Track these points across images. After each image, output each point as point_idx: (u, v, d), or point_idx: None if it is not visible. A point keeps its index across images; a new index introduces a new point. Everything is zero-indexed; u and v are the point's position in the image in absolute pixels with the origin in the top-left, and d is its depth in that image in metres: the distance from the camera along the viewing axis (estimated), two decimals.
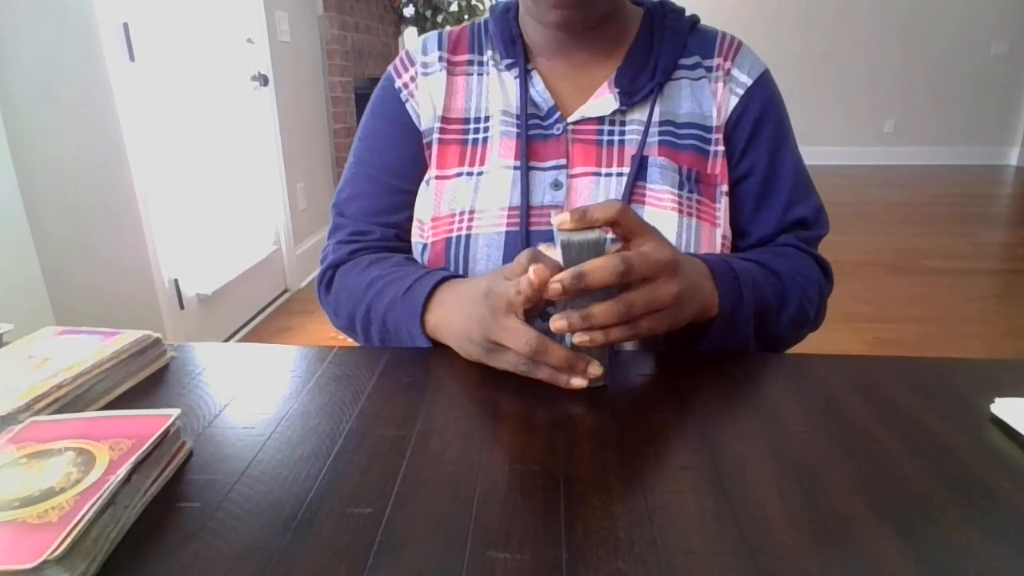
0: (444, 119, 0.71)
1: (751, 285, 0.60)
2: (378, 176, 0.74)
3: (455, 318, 0.57)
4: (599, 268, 0.46)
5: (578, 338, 0.48)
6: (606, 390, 0.52)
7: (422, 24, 4.20)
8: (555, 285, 0.46)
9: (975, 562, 0.34)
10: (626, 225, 0.50)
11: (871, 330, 2.38)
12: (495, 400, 0.51)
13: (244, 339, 2.38)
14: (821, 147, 5.85)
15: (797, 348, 0.70)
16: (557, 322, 0.47)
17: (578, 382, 0.50)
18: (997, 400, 0.48)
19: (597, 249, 0.48)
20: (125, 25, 1.76)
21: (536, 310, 0.53)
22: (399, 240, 0.74)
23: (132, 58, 1.79)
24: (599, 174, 0.66)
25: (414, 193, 0.73)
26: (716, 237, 0.67)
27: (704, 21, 0.73)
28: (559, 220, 0.48)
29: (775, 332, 0.64)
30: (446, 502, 0.39)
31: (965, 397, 0.51)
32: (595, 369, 0.50)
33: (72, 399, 0.49)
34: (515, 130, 0.69)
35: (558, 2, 0.63)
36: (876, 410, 0.49)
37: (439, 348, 0.60)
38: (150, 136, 1.88)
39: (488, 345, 0.53)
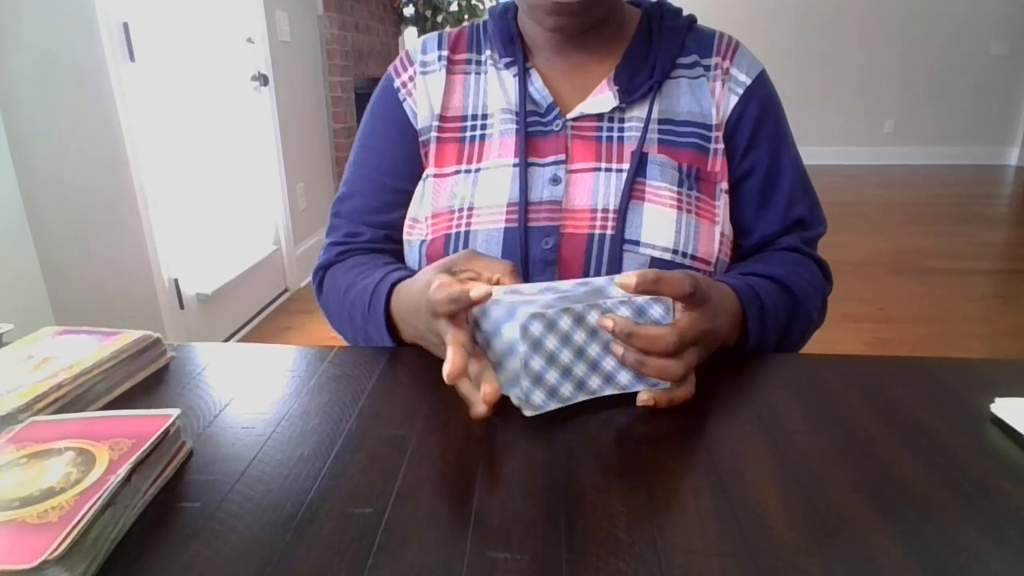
0: (442, 117, 0.72)
1: (775, 317, 0.62)
2: (374, 176, 0.74)
3: (414, 334, 0.60)
4: (658, 338, 0.47)
5: (643, 399, 0.49)
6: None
7: (422, 24, 4.20)
8: (607, 322, 0.47)
9: (975, 562, 0.34)
10: (696, 300, 0.49)
11: (871, 330, 2.38)
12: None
13: (244, 339, 2.38)
14: (821, 147, 5.85)
15: None
16: (631, 358, 0.48)
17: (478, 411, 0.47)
18: (997, 400, 0.48)
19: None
20: (125, 25, 1.76)
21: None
22: (389, 241, 0.75)
23: (132, 58, 1.79)
24: (599, 169, 0.67)
25: (410, 192, 0.73)
26: (715, 234, 0.67)
27: (703, 21, 0.73)
28: (622, 283, 0.47)
29: (785, 346, 0.67)
30: (446, 502, 0.39)
31: (965, 397, 0.51)
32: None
33: (72, 399, 0.49)
34: (514, 127, 0.69)
35: (553, 9, 0.63)
36: (876, 410, 0.49)
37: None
38: (150, 136, 1.88)
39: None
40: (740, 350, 0.61)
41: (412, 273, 0.63)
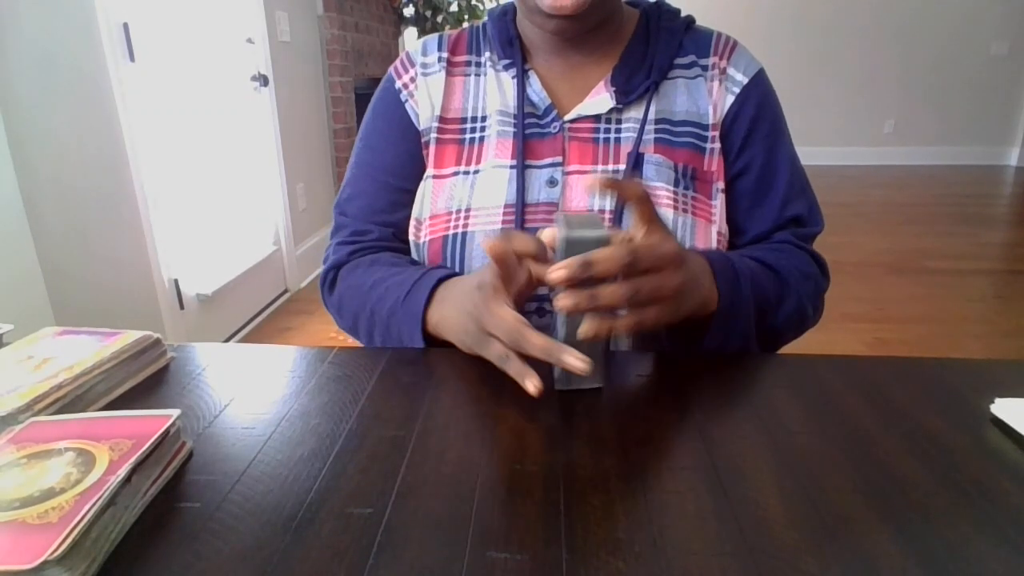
0: (442, 119, 0.72)
1: (750, 281, 0.60)
2: (377, 175, 0.74)
3: (453, 314, 0.58)
4: (606, 258, 0.45)
5: (583, 330, 0.46)
6: (601, 393, 0.52)
7: (422, 24, 4.20)
8: (560, 272, 0.45)
9: (975, 562, 0.34)
10: (643, 212, 0.49)
11: (871, 330, 2.38)
12: (495, 400, 0.51)
13: (244, 339, 2.38)
14: (821, 147, 5.85)
15: (797, 348, 0.70)
16: (564, 300, 0.45)
17: (533, 386, 0.48)
18: (997, 400, 0.48)
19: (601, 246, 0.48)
20: (125, 25, 1.76)
21: (524, 295, 0.53)
22: (397, 240, 0.75)
23: (132, 58, 1.79)
24: (595, 171, 0.67)
25: (413, 192, 0.73)
26: (712, 234, 0.67)
27: (702, 22, 0.73)
28: (592, 182, 0.49)
29: (775, 328, 0.65)
30: (446, 502, 0.39)
31: (965, 397, 0.51)
32: (576, 361, 0.46)
33: (72, 399, 0.49)
34: (512, 129, 0.69)
35: (554, 12, 0.63)
36: (876, 410, 0.49)
37: (439, 348, 0.60)
38: (150, 136, 1.88)
39: (480, 335, 0.53)
40: (716, 317, 0.58)
41: (456, 273, 0.65)
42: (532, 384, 0.48)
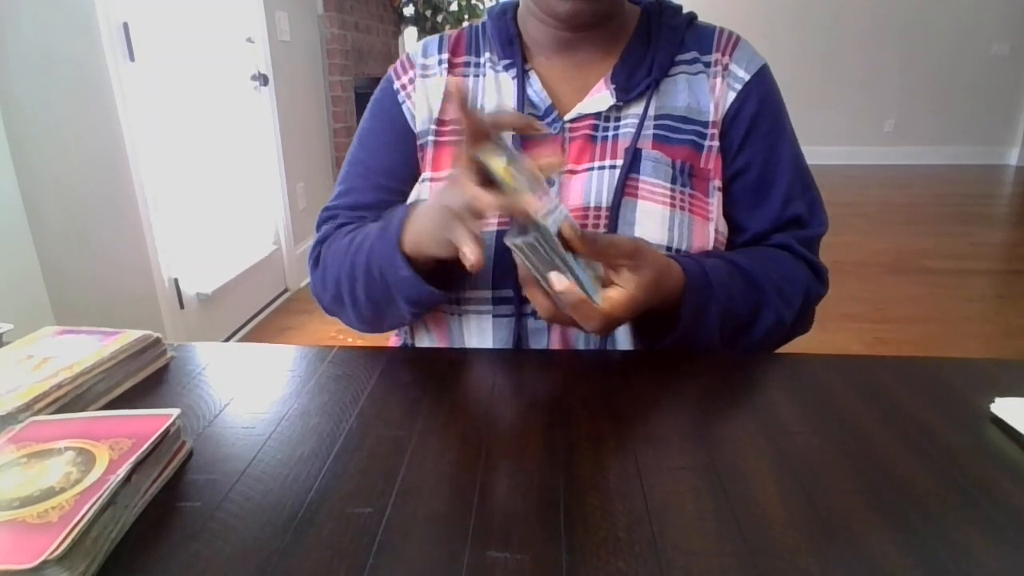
0: (439, 121, 0.71)
1: (723, 304, 0.61)
2: (369, 175, 0.74)
3: (427, 218, 0.58)
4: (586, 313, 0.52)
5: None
6: (600, 391, 0.51)
7: (422, 24, 4.20)
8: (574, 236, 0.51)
9: (975, 562, 0.34)
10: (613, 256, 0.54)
11: (871, 330, 2.38)
12: (495, 400, 0.51)
13: (244, 339, 2.38)
14: (821, 147, 5.85)
15: (797, 348, 0.70)
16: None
17: (471, 252, 0.50)
18: (997, 400, 0.48)
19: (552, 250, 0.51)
20: (125, 25, 1.76)
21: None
22: None
23: (132, 58, 1.79)
24: (592, 168, 0.67)
25: (405, 194, 0.73)
26: (709, 231, 0.67)
27: (703, 19, 0.73)
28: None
29: (751, 341, 0.65)
30: (446, 502, 0.39)
31: (965, 397, 0.51)
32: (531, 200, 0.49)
33: (72, 399, 0.49)
34: (510, 132, 0.68)
35: None
36: (876, 410, 0.49)
37: (440, 350, 0.60)
38: (150, 136, 1.88)
39: (448, 218, 0.52)
40: (670, 333, 0.60)
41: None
42: (470, 251, 0.50)
